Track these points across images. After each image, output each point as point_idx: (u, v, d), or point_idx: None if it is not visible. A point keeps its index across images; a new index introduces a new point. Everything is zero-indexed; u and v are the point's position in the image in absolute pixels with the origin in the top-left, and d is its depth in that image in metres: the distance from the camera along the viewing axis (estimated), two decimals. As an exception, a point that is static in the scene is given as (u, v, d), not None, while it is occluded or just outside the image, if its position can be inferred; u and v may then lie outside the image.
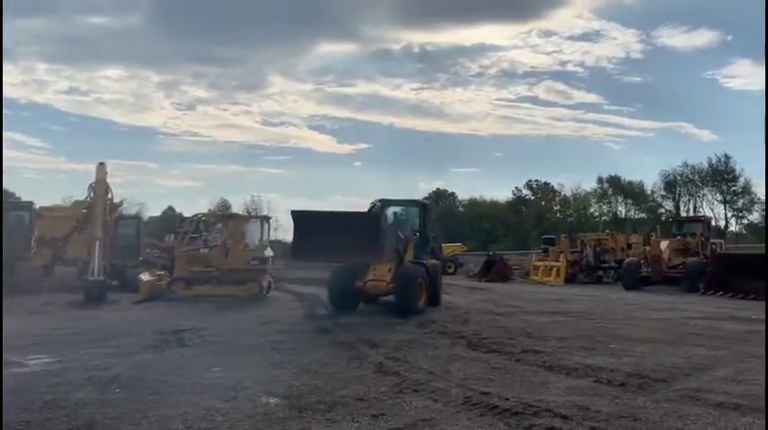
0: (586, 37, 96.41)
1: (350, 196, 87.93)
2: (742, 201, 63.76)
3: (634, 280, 22.60)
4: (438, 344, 9.70)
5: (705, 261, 21.92)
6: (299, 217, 13.74)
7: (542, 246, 31.25)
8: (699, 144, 77.71)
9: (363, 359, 8.49)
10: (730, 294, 18.63)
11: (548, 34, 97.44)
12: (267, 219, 17.80)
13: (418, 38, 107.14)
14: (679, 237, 24.30)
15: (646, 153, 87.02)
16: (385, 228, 13.94)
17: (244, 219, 17.76)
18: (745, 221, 64.98)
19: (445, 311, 14.35)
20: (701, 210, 62.89)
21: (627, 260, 24.22)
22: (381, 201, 17.36)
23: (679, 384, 6.79)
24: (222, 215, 20.89)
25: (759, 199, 61.75)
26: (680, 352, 8.87)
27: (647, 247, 25.42)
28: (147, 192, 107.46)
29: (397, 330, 11.34)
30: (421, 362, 8.17)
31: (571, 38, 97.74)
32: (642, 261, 23.72)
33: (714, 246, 24.57)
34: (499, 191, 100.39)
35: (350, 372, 7.61)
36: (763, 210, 62.17)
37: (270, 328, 11.78)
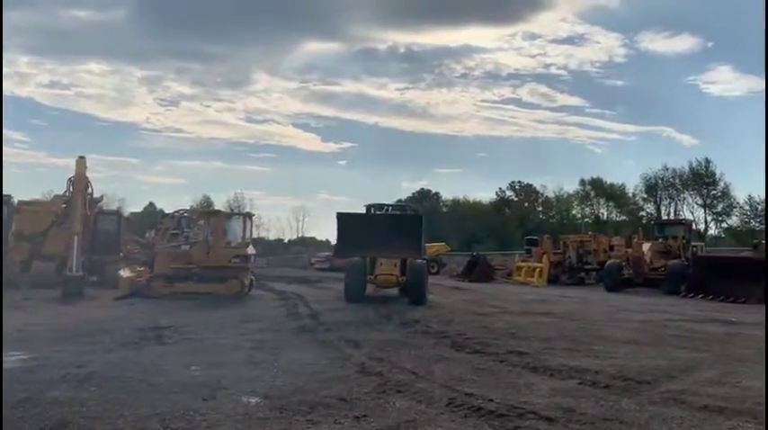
0: (570, 40, 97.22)
1: (335, 195, 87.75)
2: (721, 205, 64.51)
3: (616, 281, 22.69)
4: (421, 345, 9.63)
5: (686, 263, 22.05)
6: (343, 218, 15.27)
7: (525, 247, 31.36)
8: (679, 148, 78.46)
9: (346, 359, 8.38)
10: (711, 296, 18.76)
11: (532, 37, 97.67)
12: (250, 216, 17.58)
13: (404, 38, 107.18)
14: (661, 240, 24.43)
15: (627, 156, 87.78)
16: (423, 229, 15.73)
17: (226, 215, 17.51)
18: (724, 225, 65.63)
19: (428, 311, 14.29)
20: (681, 213, 63.49)
21: (609, 262, 24.32)
22: (374, 205, 17.95)
23: (663, 386, 6.75)
24: (204, 211, 20.60)
25: (738, 203, 62.64)
26: (663, 354, 8.87)
27: (629, 249, 25.59)
28: (128, 187, 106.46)
29: (380, 330, 11.28)
30: (404, 362, 8.08)
31: (555, 41, 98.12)
32: (624, 263, 23.82)
33: (695, 249, 24.70)
34: (482, 191, 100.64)
35: (332, 372, 7.50)
36: (742, 214, 63.08)
37: (251, 327, 11.64)
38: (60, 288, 16.38)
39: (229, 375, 7.22)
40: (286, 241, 72.90)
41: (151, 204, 72.21)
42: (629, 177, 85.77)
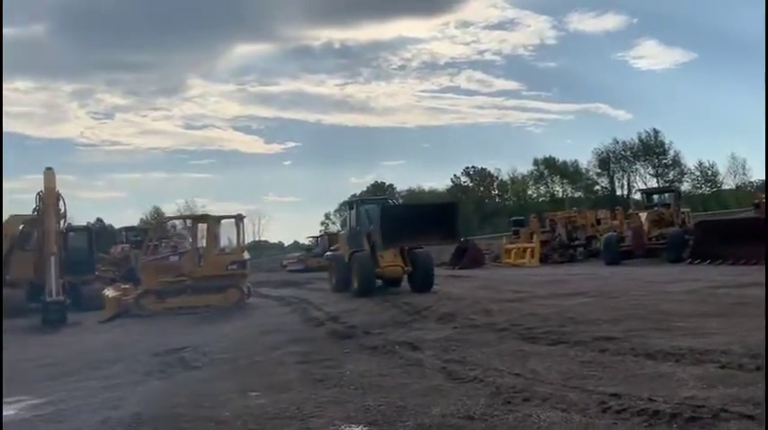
0: (501, 26, 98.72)
1: (283, 196, 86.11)
2: (673, 172, 66.03)
3: (616, 254, 22.09)
4: (485, 340, 8.57)
5: (685, 230, 21.67)
6: (387, 209, 16.35)
7: (513, 229, 30.61)
8: (615, 123, 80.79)
9: (419, 365, 7.29)
10: (719, 261, 18.29)
11: (465, 25, 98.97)
12: (241, 218, 16.12)
13: (337, 34, 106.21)
14: (656, 209, 23.98)
15: (566, 135, 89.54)
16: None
17: (216, 219, 16.00)
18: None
19: (454, 302, 13.17)
20: (634, 184, 64.73)
21: (607, 235, 23.73)
22: (356, 200, 18.89)
23: (816, 362, 5.87)
24: (191, 216, 18.97)
25: (689, 169, 64.51)
26: (759, 324, 8.00)
27: (615, 221, 25.22)
28: (70, 205, 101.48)
29: (422, 328, 10.18)
30: (489, 362, 7.04)
31: (487, 27, 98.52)
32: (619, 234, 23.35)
33: (683, 216, 24.44)
34: (430, 181, 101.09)
35: (420, 383, 6.39)
36: (693, 179, 64.98)
37: (278, 339, 10.36)
38: (36, 316, 14.77)
39: (303, 399, 6.07)
40: (240, 246, 70.82)
41: (99, 220, 69.49)
42: (570, 154, 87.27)
